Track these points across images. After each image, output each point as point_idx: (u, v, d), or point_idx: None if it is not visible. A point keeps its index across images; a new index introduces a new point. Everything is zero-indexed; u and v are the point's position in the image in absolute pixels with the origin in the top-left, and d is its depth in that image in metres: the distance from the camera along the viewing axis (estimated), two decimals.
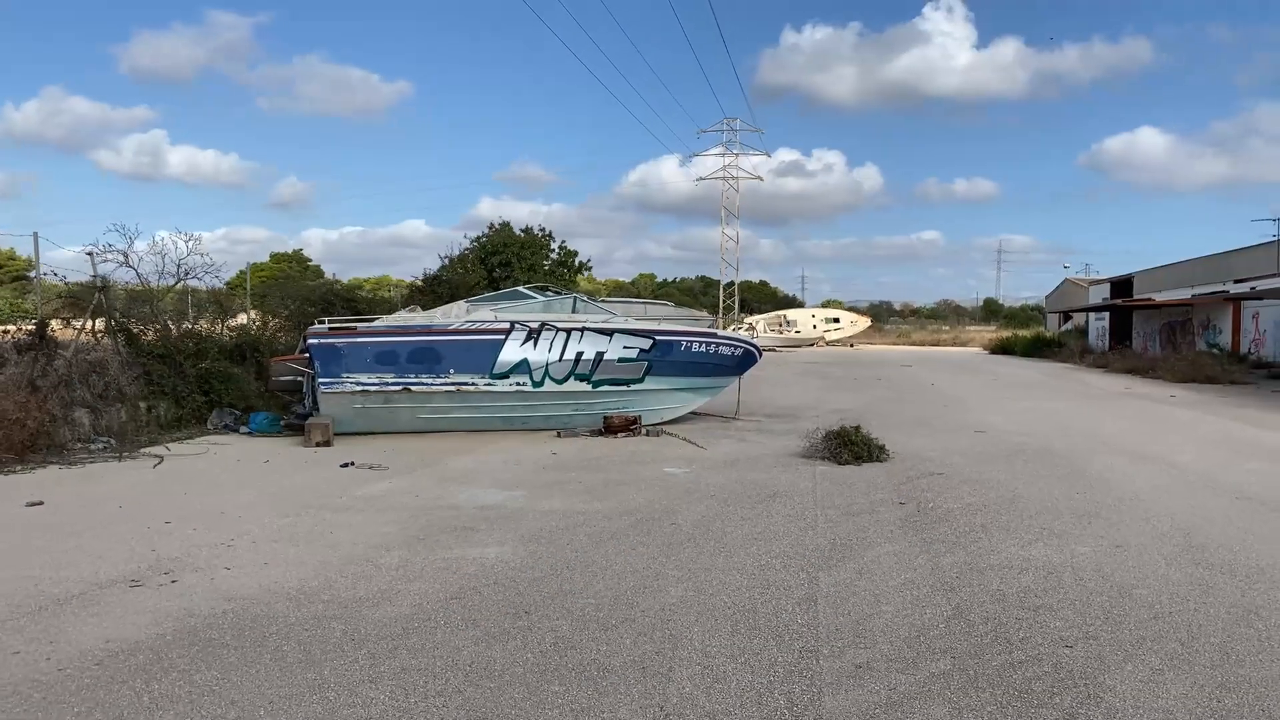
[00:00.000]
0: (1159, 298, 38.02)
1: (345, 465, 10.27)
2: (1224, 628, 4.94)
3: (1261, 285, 27.18)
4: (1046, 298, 71.31)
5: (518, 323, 13.12)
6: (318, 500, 8.45)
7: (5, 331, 11.64)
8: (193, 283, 15.27)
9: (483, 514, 7.85)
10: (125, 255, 13.73)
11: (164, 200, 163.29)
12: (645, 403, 13.77)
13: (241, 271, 17.22)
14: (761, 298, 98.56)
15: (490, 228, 34.11)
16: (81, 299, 12.93)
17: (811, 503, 8.39)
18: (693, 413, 14.88)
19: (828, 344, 60.98)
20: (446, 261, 30.87)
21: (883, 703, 3.97)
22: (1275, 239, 34.18)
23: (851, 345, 61.69)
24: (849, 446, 10.86)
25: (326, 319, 13.35)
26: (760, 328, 55.83)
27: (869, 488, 9.13)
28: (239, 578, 5.85)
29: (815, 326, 63.71)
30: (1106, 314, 47.94)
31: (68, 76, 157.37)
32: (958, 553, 6.53)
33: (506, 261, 32.05)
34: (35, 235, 12.98)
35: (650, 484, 9.38)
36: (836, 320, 66.70)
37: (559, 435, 13.05)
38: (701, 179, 72.55)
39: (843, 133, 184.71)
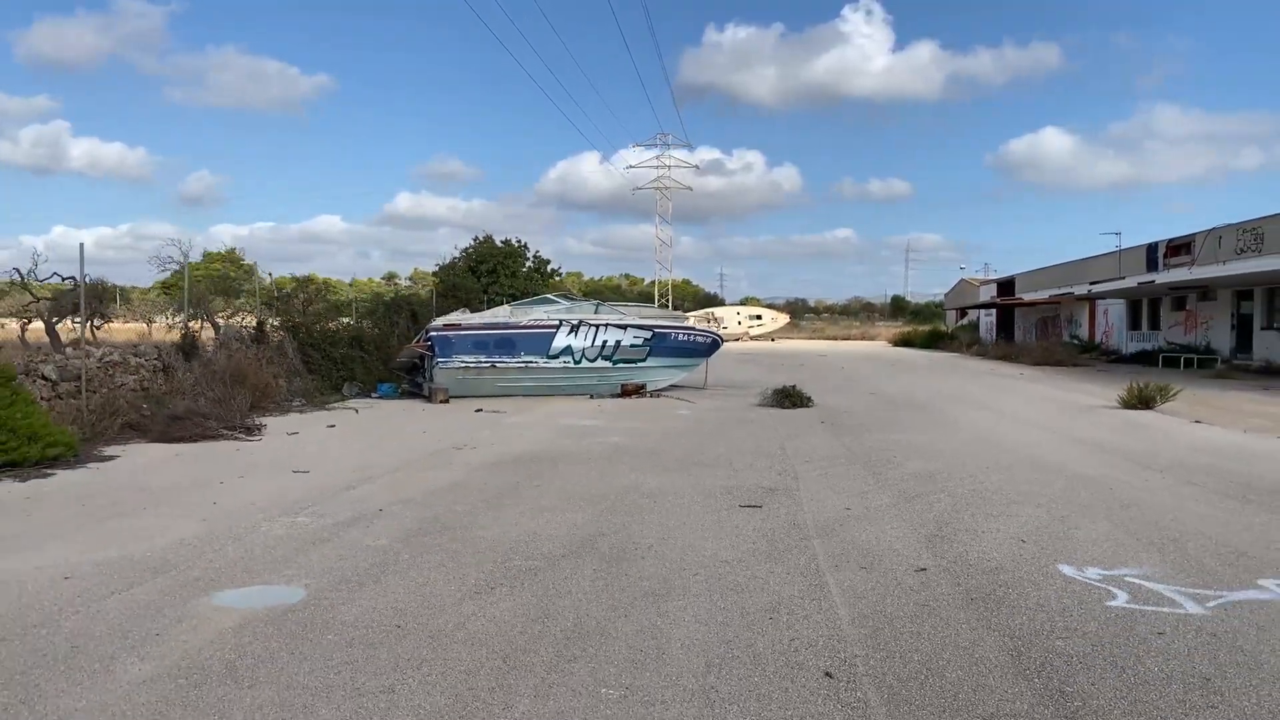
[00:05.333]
0: (1028, 297, 45.69)
1: (478, 411, 16.07)
2: (972, 455, 11.24)
3: (1097, 288, 34.60)
4: (946, 295, 79.55)
5: (564, 319, 19.06)
6: (487, 426, 14.28)
7: (243, 326, 17.14)
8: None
9: (588, 429, 13.81)
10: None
11: (64, 194, 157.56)
12: (648, 376, 19.82)
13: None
14: (684, 295, 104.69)
15: (475, 240, 39.82)
16: (276, 304, 18.57)
17: (772, 423, 14.60)
18: (674, 384, 20.96)
19: (752, 339, 67.78)
20: (437, 268, 36.50)
21: (819, 468, 10.15)
22: (1117, 249, 42.13)
23: (773, 340, 68.51)
24: (789, 398, 17.13)
25: (440, 318, 19.16)
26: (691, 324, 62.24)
27: (804, 417, 15.40)
28: (506, 447, 11.72)
29: (740, 323, 70.57)
30: (995, 310, 55.88)
31: None
32: (853, 438, 12.80)
33: (492, 269, 37.74)
34: (255, 266, 18.33)
35: (673, 419, 15.45)
36: (759, 317, 73.82)
37: (591, 397, 18.99)
38: (639, 189, 78.91)
39: (762, 132, 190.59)
